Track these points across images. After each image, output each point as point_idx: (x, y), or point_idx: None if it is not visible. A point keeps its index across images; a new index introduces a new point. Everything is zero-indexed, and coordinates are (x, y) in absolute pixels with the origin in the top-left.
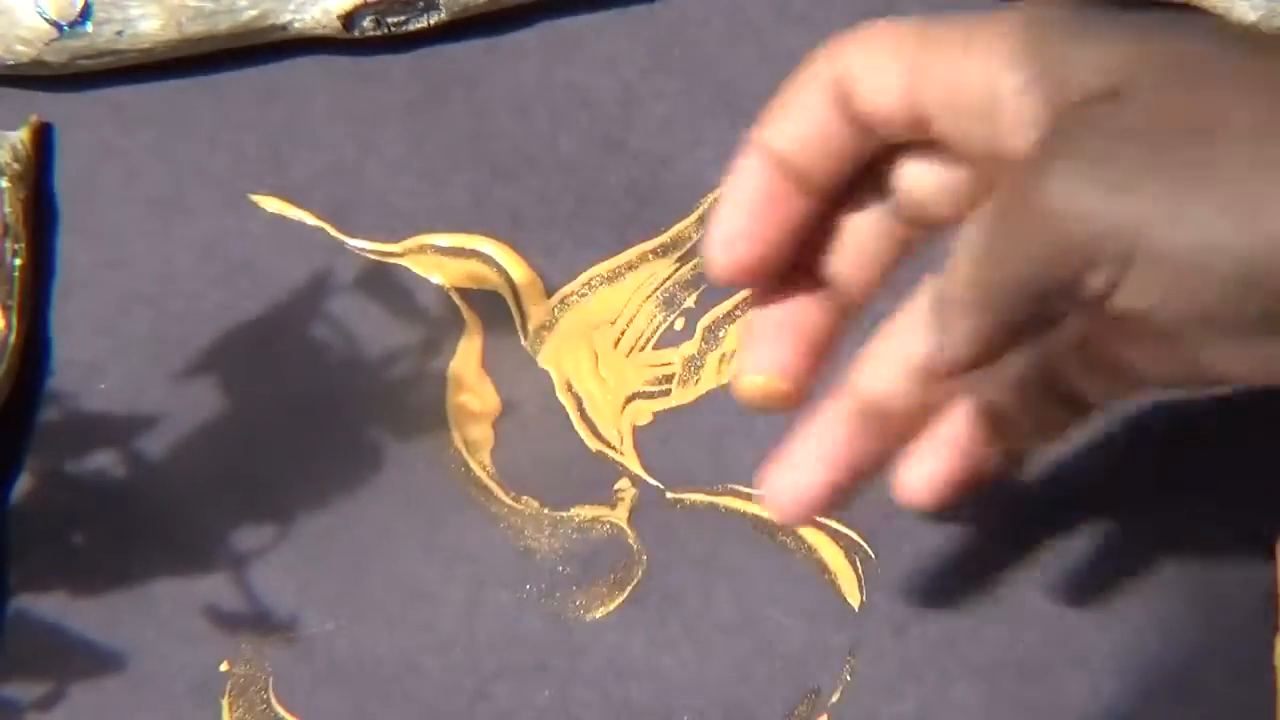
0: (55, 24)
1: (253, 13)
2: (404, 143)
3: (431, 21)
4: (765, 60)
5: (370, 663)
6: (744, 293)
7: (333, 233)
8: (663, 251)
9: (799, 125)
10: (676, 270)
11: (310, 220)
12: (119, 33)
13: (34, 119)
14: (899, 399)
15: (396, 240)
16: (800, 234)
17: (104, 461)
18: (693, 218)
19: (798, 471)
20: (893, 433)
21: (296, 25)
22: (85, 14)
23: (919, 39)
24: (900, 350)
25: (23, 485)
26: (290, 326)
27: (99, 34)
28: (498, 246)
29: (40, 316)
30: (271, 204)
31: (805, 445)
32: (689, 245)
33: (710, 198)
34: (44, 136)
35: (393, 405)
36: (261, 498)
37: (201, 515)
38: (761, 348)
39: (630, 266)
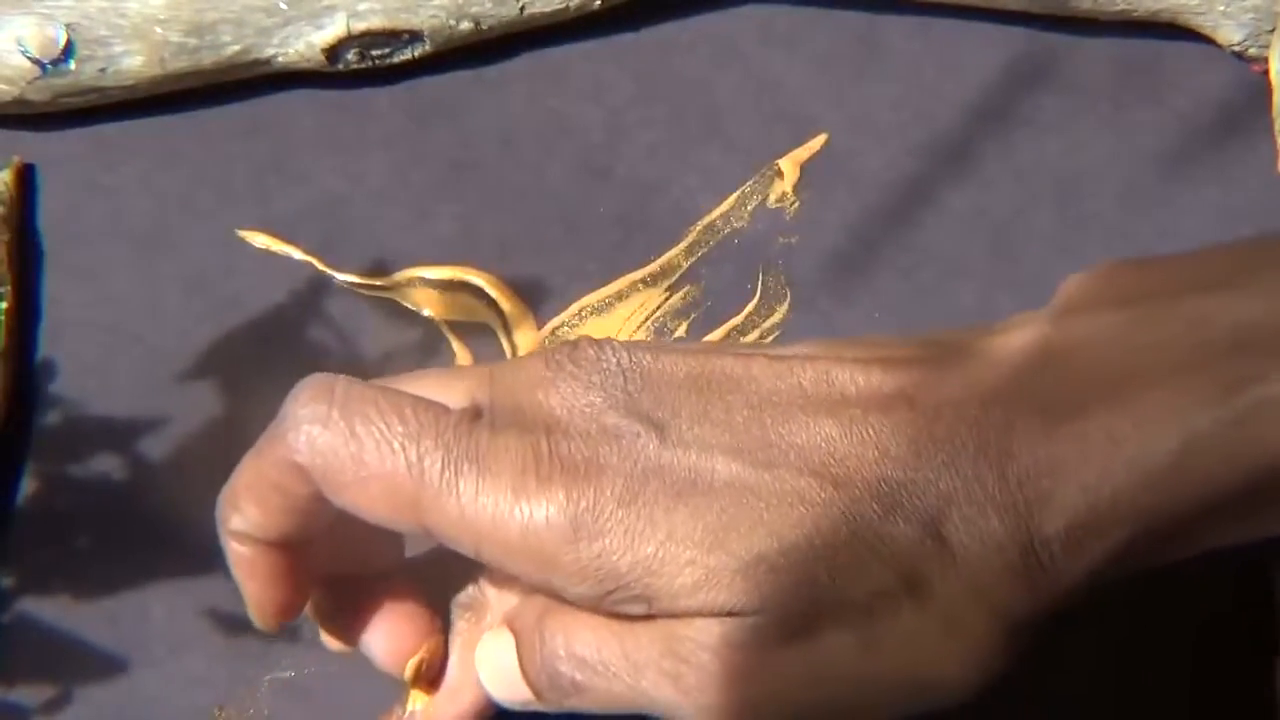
0: (38, 62)
1: (236, 48)
2: (390, 175)
3: (416, 53)
4: (751, 87)
5: (368, 705)
6: (733, 320)
7: (321, 267)
8: (652, 280)
9: (256, 513)
10: (666, 299)
11: (298, 255)
12: (102, 70)
13: (16, 160)
14: None
15: (385, 273)
16: (303, 574)
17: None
18: (682, 246)
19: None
20: None
21: (280, 59)
22: (68, 52)
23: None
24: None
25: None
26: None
27: (82, 71)
28: (487, 278)
29: (27, 359)
30: (259, 239)
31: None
32: (679, 274)
33: (700, 225)
34: (27, 177)
35: None
36: None
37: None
38: (371, 637)
39: (620, 296)
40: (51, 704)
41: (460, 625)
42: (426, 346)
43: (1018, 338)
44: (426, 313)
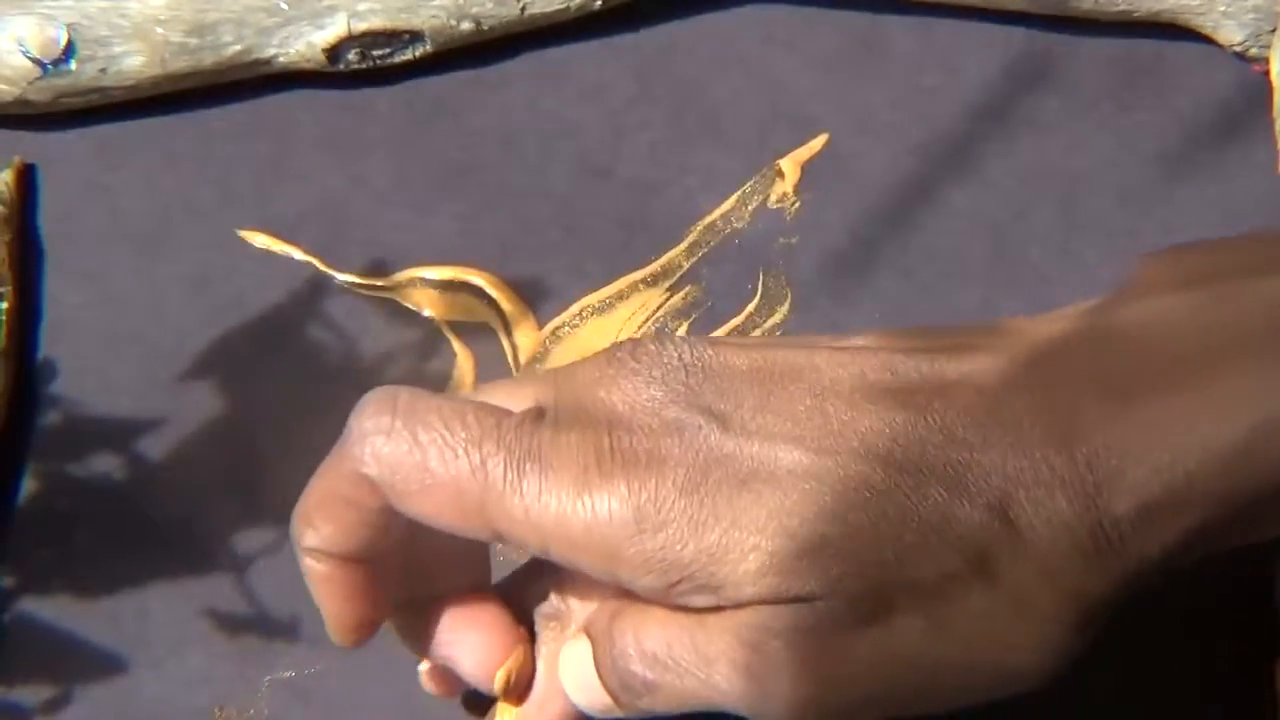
0: (38, 62)
1: (237, 48)
2: (391, 175)
3: (417, 53)
4: (751, 87)
5: (368, 705)
6: (734, 320)
7: (321, 267)
8: (653, 281)
9: (329, 528)
10: (667, 299)
11: (299, 255)
12: (103, 70)
13: (17, 160)
14: None
15: (386, 273)
16: (381, 590)
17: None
18: (682, 246)
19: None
20: None
21: (281, 59)
22: (69, 52)
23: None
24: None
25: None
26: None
27: (83, 72)
28: (487, 278)
29: (28, 359)
30: (259, 239)
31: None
32: (679, 274)
33: (701, 225)
34: (28, 177)
35: None
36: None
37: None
38: (460, 649)
39: (621, 297)
40: (51, 704)
41: (545, 636)
42: (426, 346)
43: (1081, 321)
44: (426, 313)
